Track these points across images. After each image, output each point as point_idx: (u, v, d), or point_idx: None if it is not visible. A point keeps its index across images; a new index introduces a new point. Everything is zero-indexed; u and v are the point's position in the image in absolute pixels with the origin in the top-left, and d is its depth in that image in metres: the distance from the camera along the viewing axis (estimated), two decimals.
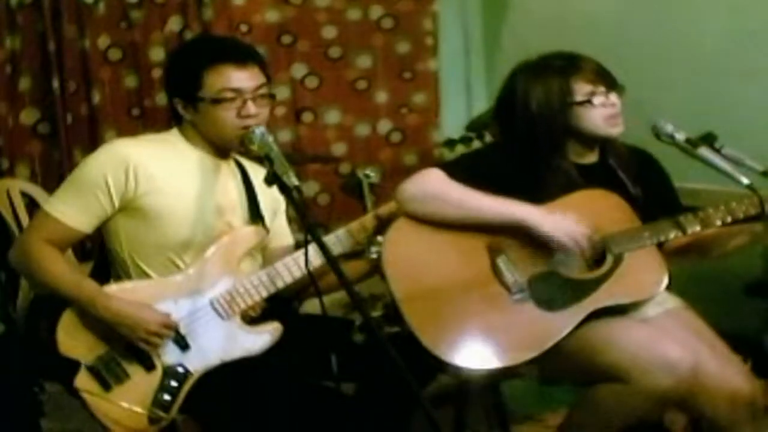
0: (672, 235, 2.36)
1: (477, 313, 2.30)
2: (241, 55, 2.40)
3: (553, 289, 2.33)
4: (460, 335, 2.28)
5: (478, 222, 2.34)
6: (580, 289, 2.33)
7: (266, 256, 2.55)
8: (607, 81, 2.42)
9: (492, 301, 2.31)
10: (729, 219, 2.36)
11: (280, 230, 2.62)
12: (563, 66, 2.42)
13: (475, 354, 2.28)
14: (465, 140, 4.28)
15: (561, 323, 2.30)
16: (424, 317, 2.27)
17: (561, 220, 2.30)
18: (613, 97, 2.41)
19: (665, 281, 2.39)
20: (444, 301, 2.30)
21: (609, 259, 2.36)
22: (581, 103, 2.39)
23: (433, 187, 2.39)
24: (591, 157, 2.49)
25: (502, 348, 2.28)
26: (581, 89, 2.40)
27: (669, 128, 2.42)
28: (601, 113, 2.40)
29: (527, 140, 2.41)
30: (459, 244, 2.36)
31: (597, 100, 2.39)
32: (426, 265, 2.35)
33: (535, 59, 2.48)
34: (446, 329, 2.27)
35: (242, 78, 2.36)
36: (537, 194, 2.38)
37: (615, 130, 2.42)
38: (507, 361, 2.30)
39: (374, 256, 3.44)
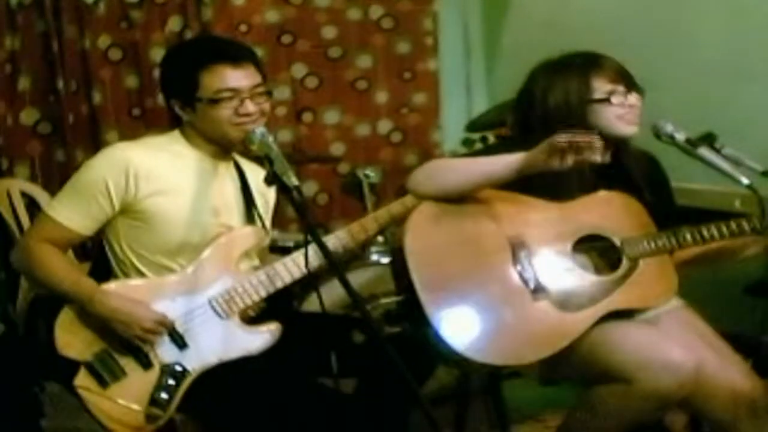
0: (688, 241, 2.37)
1: (495, 308, 2.29)
2: (235, 54, 2.40)
3: (570, 289, 2.32)
4: (477, 329, 2.26)
5: (487, 181, 2.32)
6: (595, 292, 2.33)
7: None
8: (628, 81, 2.42)
9: (511, 296, 2.30)
10: (737, 232, 2.36)
11: None
12: (584, 63, 2.43)
13: (490, 349, 2.26)
14: (467, 142, 4.27)
15: (575, 325, 2.29)
16: (442, 308, 2.26)
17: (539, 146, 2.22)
18: (633, 99, 2.40)
19: (675, 290, 2.40)
20: (464, 292, 2.28)
21: (625, 263, 2.36)
22: (600, 101, 2.39)
23: (438, 163, 2.42)
24: (605, 157, 2.49)
25: (516, 345, 2.27)
26: (601, 87, 2.40)
27: (669, 128, 2.42)
28: (616, 111, 2.39)
29: (543, 135, 2.40)
30: (481, 235, 2.35)
31: (616, 99, 2.39)
32: (448, 256, 2.32)
33: (556, 57, 2.48)
34: (464, 321, 2.26)
35: (238, 77, 2.37)
36: (551, 191, 2.38)
37: (628, 130, 2.42)
38: (520, 359, 2.31)
39: (374, 257, 3.46)
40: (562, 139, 2.17)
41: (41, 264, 2.35)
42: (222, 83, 2.35)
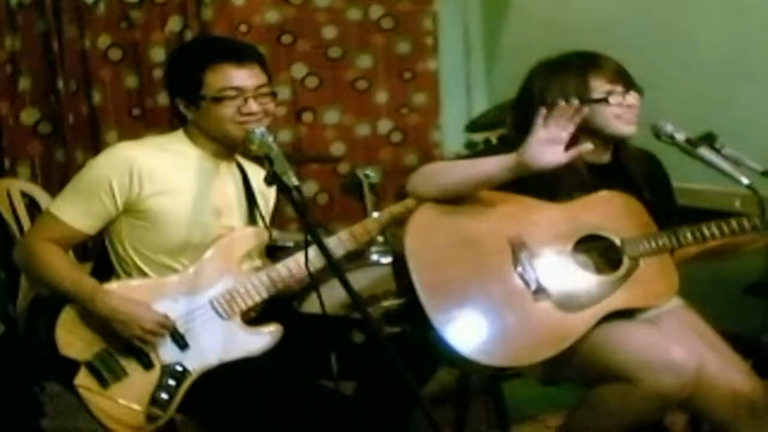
0: (689, 240, 2.37)
1: (496, 309, 2.29)
2: (241, 54, 2.41)
3: (572, 290, 2.32)
4: (480, 331, 2.26)
5: (484, 182, 2.31)
6: (596, 292, 2.33)
7: None
8: (626, 81, 2.42)
9: (512, 297, 2.30)
10: (738, 230, 2.36)
11: None
12: (582, 63, 2.42)
13: (492, 351, 2.26)
14: (470, 144, 4.27)
15: (576, 325, 2.29)
16: (444, 310, 2.26)
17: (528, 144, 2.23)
18: (631, 98, 2.40)
19: (676, 289, 2.40)
20: (465, 295, 2.28)
21: (625, 263, 2.36)
22: (598, 101, 2.38)
23: (436, 165, 2.43)
24: (604, 157, 2.49)
25: (519, 347, 2.27)
26: (599, 87, 2.39)
27: (669, 128, 2.42)
28: (614, 111, 2.39)
29: None
30: (481, 237, 2.35)
31: (614, 99, 2.39)
32: (449, 258, 2.32)
33: (555, 57, 2.48)
34: (466, 324, 2.26)
35: (243, 77, 2.37)
36: (550, 191, 2.38)
37: (626, 129, 2.42)
38: (523, 361, 2.31)
39: (374, 257, 3.46)
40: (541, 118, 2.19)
41: (43, 263, 2.35)
42: (226, 82, 2.36)
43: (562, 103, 2.22)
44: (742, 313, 2.67)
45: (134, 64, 4.24)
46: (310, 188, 4.58)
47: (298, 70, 4.57)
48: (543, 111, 2.22)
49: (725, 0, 3.55)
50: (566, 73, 2.42)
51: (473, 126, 4.28)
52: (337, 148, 4.65)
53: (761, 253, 2.50)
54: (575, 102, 2.22)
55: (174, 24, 4.28)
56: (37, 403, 2.78)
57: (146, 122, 4.26)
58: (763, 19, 3.39)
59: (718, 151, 2.39)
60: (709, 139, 2.40)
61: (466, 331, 2.25)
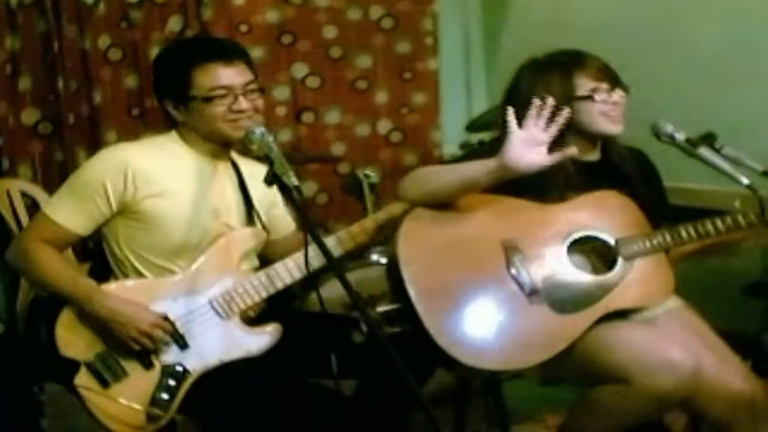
0: (684, 239, 2.36)
1: (492, 313, 2.28)
2: (227, 53, 2.42)
3: (566, 291, 2.32)
4: (475, 336, 2.26)
5: (470, 186, 2.30)
6: (591, 293, 2.32)
7: (273, 247, 2.57)
8: (611, 78, 2.42)
9: (507, 301, 2.30)
10: (733, 227, 2.36)
11: (280, 220, 2.62)
12: (567, 61, 2.43)
13: (488, 355, 2.26)
14: (466, 146, 4.28)
15: (572, 327, 2.29)
16: (438, 315, 2.25)
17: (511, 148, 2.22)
18: (616, 96, 2.41)
19: (672, 288, 2.40)
20: (459, 299, 2.28)
21: (620, 264, 2.36)
22: (582, 98, 2.38)
23: (426, 169, 2.43)
24: (592, 155, 2.49)
25: (515, 350, 2.27)
26: (584, 85, 2.39)
27: (669, 128, 2.42)
28: (599, 108, 2.39)
29: None
30: (474, 241, 2.35)
31: (599, 96, 2.39)
32: (442, 263, 2.32)
33: (542, 56, 2.48)
34: (460, 329, 2.26)
35: (231, 75, 2.38)
36: (543, 193, 2.38)
37: (612, 127, 2.42)
38: (519, 364, 2.31)
39: (374, 257, 3.46)
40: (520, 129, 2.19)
41: (38, 264, 2.35)
42: (215, 81, 2.36)
43: (537, 101, 2.22)
44: (742, 313, 2.68)
45: (134, 64, 4.23)
46: (310, 188, 4.57)
47: (299, 70, 4.57)
48: (509, 111, 2.22)
49: (725, 0, 3.55)
50: (551, 72, 2.42)
51: (473, 126, 4.28)
52: (337, 148, 4.64)
53: (761, 253, 2.50)
54: (550, 100, 2.22)
55: (174, 24, 4.27)
56: (37, 403, 2.78)
57: (146, 122, 4.25)
58: (763, 19, 3.39)
59: (718, 151, 2.39)
60: (709, 139, 2.40)
61: (461, 336, 2.25)
